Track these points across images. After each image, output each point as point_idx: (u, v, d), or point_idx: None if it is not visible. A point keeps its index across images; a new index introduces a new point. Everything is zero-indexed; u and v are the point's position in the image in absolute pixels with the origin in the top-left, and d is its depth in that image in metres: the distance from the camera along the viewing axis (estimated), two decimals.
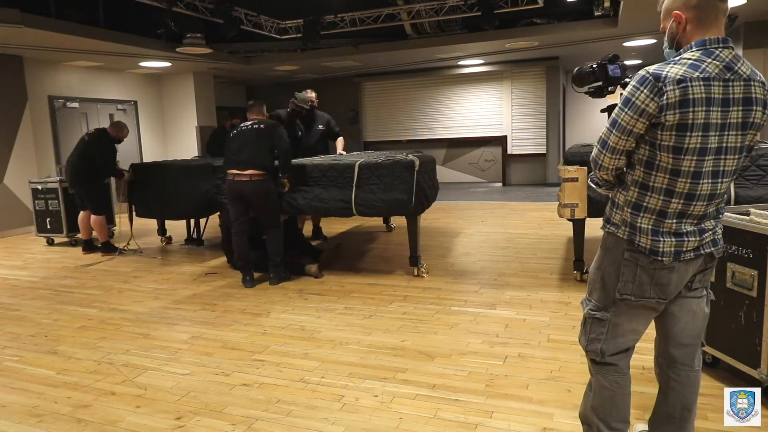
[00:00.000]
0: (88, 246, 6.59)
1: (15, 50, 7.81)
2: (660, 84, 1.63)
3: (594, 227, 4.84)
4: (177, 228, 7.28)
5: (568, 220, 4.32)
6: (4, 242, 7.57)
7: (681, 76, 1.62)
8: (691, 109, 1.61)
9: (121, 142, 6.73)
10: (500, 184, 12.37)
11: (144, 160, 10.18)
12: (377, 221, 7.38)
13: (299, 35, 8.86)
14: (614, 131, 1.78)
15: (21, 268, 5.93)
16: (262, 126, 4.74)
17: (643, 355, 3.05)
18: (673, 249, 1.75)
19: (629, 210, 1.80)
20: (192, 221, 6.82)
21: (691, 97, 1.61)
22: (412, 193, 4.58)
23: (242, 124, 4.83)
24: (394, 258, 5.66)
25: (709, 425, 2.33)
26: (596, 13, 7.93)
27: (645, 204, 1.76)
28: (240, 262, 4.85)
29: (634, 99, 1.69)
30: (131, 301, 4.51)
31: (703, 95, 1.61)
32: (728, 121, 1.65)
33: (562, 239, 6.12)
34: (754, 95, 1.66)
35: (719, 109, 1.63)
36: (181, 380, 2.99)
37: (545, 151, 11.88)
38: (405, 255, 5.08)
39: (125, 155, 10.18)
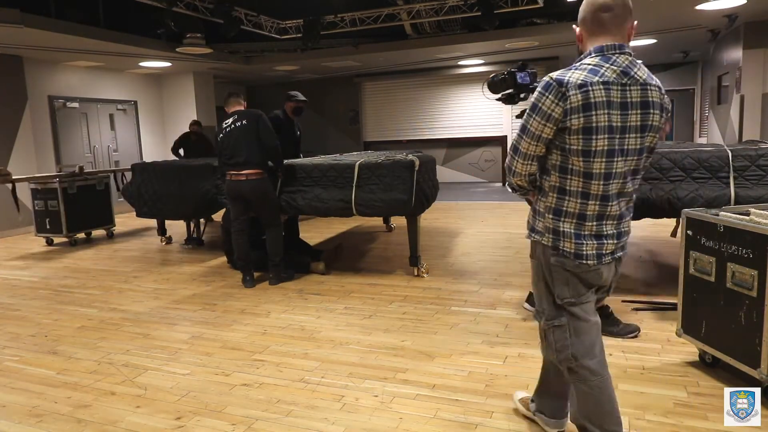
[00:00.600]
0: None
1: (15, 50, 7.81)
2: (563, 89, 1.69)
3: None
4: (177, 228, 7.28)
5: None
6: (4, 242, 7.57)
7: (582, 80, 1.69)
8: (594, 113, 1.69)
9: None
10: (500, 184, 12.36)
11: (144, 160, 10.18)
12: (377, 221, 7.38)
13: (299, 35, 8.86)
14: (524, 137, 1.80)
15: (21, 268, 5.93)
16: (244, 122, 4.67)
17: (644, 355, 3.06)
18: (594, 252, 1.82)
19: (550, 216, 1.86)
20: (192, 221, 6.81)
21: (592, 100, 1.68)
22: (412, 193, 4.58)
23: (224, 123, 4.77)
24: (394, 258, 5.66)
25: (709, 425, 2.33)
26: None
27: (564, 208, 1.82)
28: (240, 261, 4.85)
29: (540, 105, 1.74)
30: (131, 301, 4.51)
31: (604, 99, 1.69)
32: (628, 124, 1.72)
33: None
34: (650, 99, 1.74)
35: (618, 112, 1.71)
36: (181, 380, 2.98)
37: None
38: (405, 255, 5.08)
39: (125, 155, 10.20)
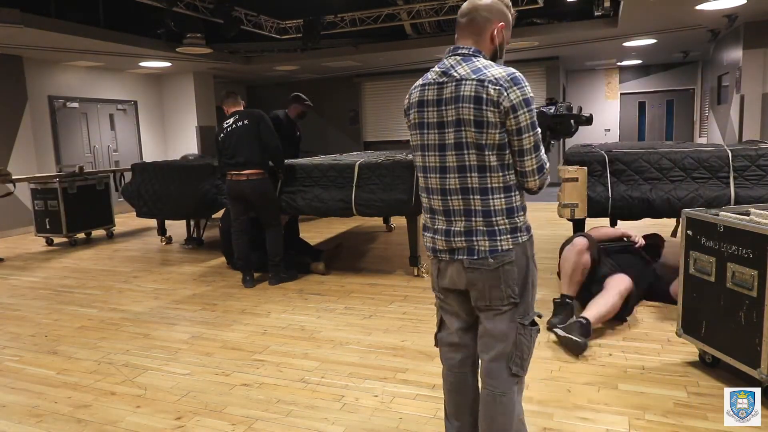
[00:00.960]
0: None
1: (15, 50, 7.81)
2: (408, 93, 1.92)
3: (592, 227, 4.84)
4: (177, 228, 7.28)
5: (569, 220, 4.32)
6: (4, 242, 7.57)
7: (415, 84, 1.89)
8: (411, 111, 1.86)
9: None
10: None
11: (144, 160, 10.18)
12: (377, 221, 7.38)
13: (299, 35, 8.86)
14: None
15: (21, 268, 5.93)
16: (246, 122, 4.68)
17: (644, 355, 3.06)
18: (428, 244, 1.90)
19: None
20: (192, 221, 6.81)
21: (409, 101, 1.88)
22: (413, 192, 4.58)
23: (225, 123, 4.76)
24: (394, 258, 5.66)
25: (709, 425, 2.33)
26: (596, 13, 7.93)
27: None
28: (240, 261, 4.85)
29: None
30: (131, 301, 4.51)
31: (417, 99, 1.83)
32: (445, 119, 1.76)
33: (562, 239, 6.10)
34: (462, 93, 1.72)
35: (435, 109, 1.78)
36: (181, 380, 2.98)
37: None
38: (405, 255, 5.08)
39: (125, 155, 10.21)
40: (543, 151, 1.79)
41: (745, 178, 3.87)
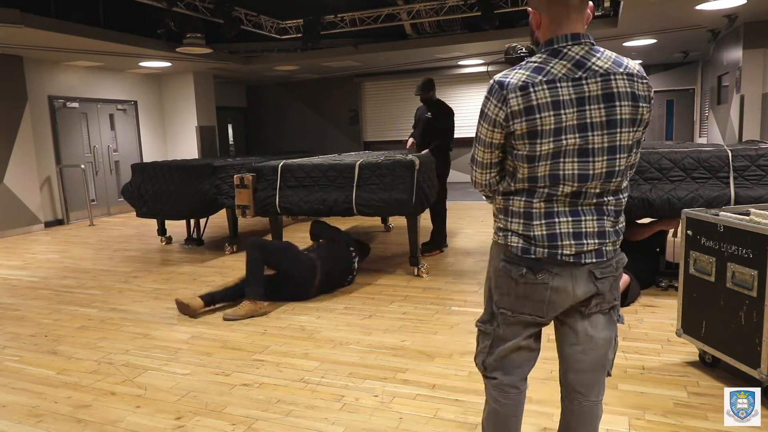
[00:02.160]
0: None
1: (15, 50, 7.81)
2: (504, 92, 1.52)
3: None
4: (177, 228, 7.28)
5: None
6: (4, 242, 7.57)
7: (523, 81, 1.51)
8: (538, 116, 1.50)
9: None
10: None
11: (144, 160, 10.19)
12: (375, 221, 7.38)
13: (299, 35, 8.86)
14: (478, 146, 1.64)
15: (21, 268, 5.93)
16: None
17: (644, 355, 3.06)
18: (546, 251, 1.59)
19: (502, 216, 1.68)
20: (192, 221, 6.82)
21: (535, 103, 1.49)
22: (413, 192, 4.58)
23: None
24: (394, 258, 5.66)
25: (709, 425, 2.33)
26: (596, 13, 7.93)
27: (511, 208, 1.63)
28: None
29: (485, 110, 1.58)
30: (131, 301, 4.51)
31: (549, 99, 1.49)
32: (588, 120, 1.50)
33: None
34: (615, 90, 1.50)
35: (575, 110, 1.50)
36: (181, 380, 2.98)
37: None
38: (405, 255, 5.08)
39: (125, 155, 10.21)
40: None
41: (745, 178, 3.87)
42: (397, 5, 8.31)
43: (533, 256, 1.59)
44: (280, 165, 4.93)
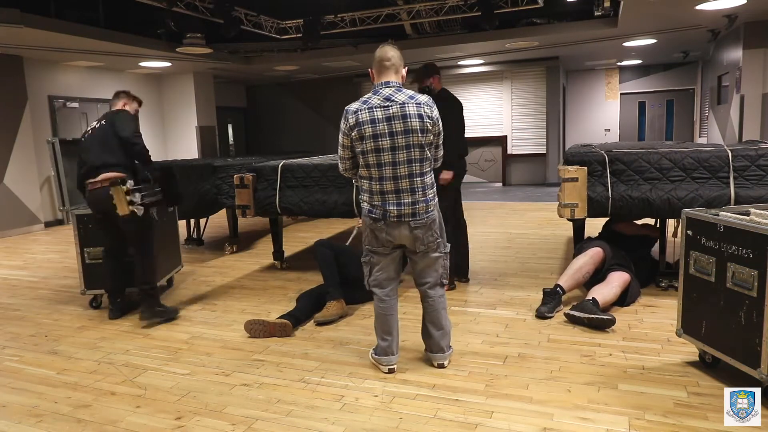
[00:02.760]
0: None
1: (15, 50, 7.81)
2: (347, 114, 2.82)
3: (594, 227, 4.84)
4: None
5: (569, 220, 4.32)
6: (4, 242, 7.57)
7: (355, 108, 2.79)
8: (362, 127, 2.75)
9: None
10: (500, 184, 12.37)
11: None
12: None
13: (299, 35, 8.86)
14: (339, 146, 2.92)
15: (21, 268, 5.93)
16: (103, 122, 3.97)
17: (644, 355, 3.06)
18: (376, 213, 2.82)
19: (362, 191, 2.91)
20: (192, 221, 6.82)
21: (360, 119, 2.75)
22: None
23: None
24: None
25: (709, 425, 2.33)
26: (596, 13, 7.93)
27: (365, 188, 2.87)
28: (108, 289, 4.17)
29: (341, 124, 2.86)
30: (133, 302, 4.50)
31: (368, 117, 2.74)
32: (393, 129, 2.73)
33: (562, 239, 6.12)
34: (408, 111, 2.74)
35: (384, 123, 2.73)
36: (181, 380, 2.99)
37: (545, 151, 11.89)
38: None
39: None
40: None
41: (745, 178, 3.87)
42: (397, 5, 8.30)
43: (376, 216, 2.82)
44: (280, 165, 4.93)
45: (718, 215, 2.66)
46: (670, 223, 4.80)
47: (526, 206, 8.89)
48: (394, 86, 2.80)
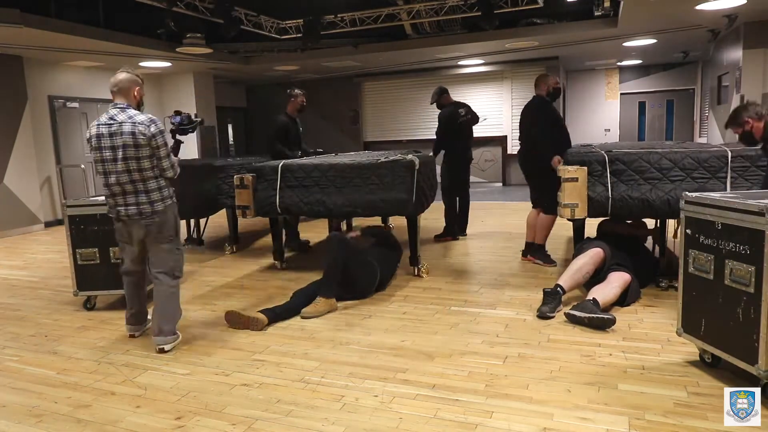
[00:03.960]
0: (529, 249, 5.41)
1: (15, 50, 7.81)
2: (88, 129, 3.42)
3: (594, 227, 4.84)
4: None
5: (569, 220, 4.32)
6: (4, 242, 7.57)
7: (92, 124, 3.35)
8: (91, 141, 3.32)
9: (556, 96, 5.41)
10: (500, 184, 12.37)
11: None
12: (376, 221, 7.37)
13: (299, 35, 8.86)
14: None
15: (21, 268, 5.93)
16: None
17: (644, 354, 3.06)
18: (113, 212, 3.42)
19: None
20: (192, 221, 6.81)
21: (92, 133, 3.31)
22: (413, 192, 4.57)
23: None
24: None
25: (709, 425, 2.33)
26: (596, 13, 7.93)
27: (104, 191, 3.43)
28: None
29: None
30: None
31: (94, 133, 3.30)
32: (114, 144, 3.25)
33: (562, 239, 6.12)
34: (123, 129, 3.24)
35: (108, 138, 3.26)
36: (181, 380, 2.99)
37: None
38: (405, 255, 5.08)
39: None
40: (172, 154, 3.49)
41: (745, 178, 3.87)
42: (397, 5, 8.30)
43: (114, 216, 3.41)
44: (280, 165, 4.92)
45: (715, 198, 2.66)
46: (671, 223, 4.79)
47: (526, 206, 8.84)
48: (119, 107, 3.32)
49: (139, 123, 3.25)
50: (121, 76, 3.33)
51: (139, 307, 3.63)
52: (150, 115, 3.34)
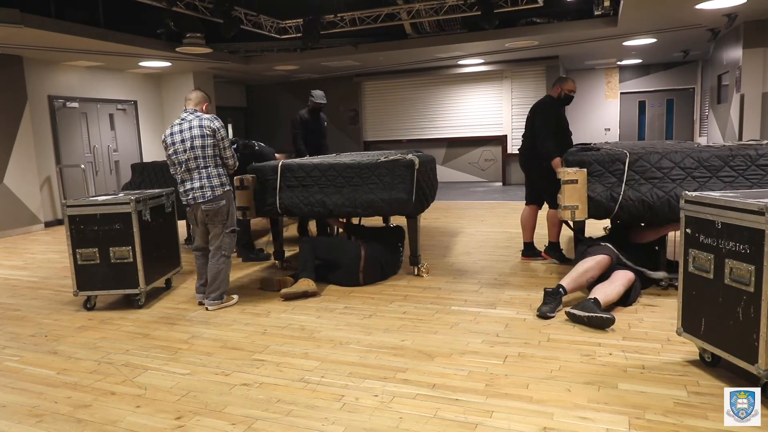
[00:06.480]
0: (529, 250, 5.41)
1: (15, 50, 7.81)
2: (164, 134, 4.19)
3: (595, 227, 4.85)
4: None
5: (568, 221, 4.31)
6: (4, 242, 7.57)
7: (170, 126, 4.16)
8: (164, 139, 4.14)
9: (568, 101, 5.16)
10: (500, 184, 12.37)
11: (144, 160, 10.19)
12: (377, 220, 7.37)
13: (299, 35, 8.86)
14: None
15: (21, 268, 5.93)
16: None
17: (644, 354, 3.06)
18: (183, 198, 4.15)
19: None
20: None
21: (166, 133, 4.12)
22: (413, 192, 4.57)
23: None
24: None
25: (709, 425, 2.33)
26: (596, 13, 7.93)
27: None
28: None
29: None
30: (131, 301, 4.49)
31: (169, 132, 4.11)
32: (182, 138, 4.04)
33: (562, 239, 6.11)
34: (191, 127, 4.03)
35: (180, 137, 4.05)
36: (181, 380, 2.99)
37: None
38: (405, 255, 5.08)
39: (125, 155, 10.21)
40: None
41: (745, 177, 3.87)
42: (397, 5, 8.30)
43: (184, 201, 4.13)
44: (279, 165, 4.92)
45: (716, 197, 2.65)
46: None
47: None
48: (192, 112, 4.14)
49: (204, 118, 4.06)
50: (195, 94, 4.24)
51: (206, 278, 4.22)
52: (213, 115, 4.15)
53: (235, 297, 4.35)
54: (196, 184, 4.04)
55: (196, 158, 4.02)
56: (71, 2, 7.68)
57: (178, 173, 4.10)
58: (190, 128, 4.03)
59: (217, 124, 4.08)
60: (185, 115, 4.11)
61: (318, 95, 6.97)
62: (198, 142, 4.00)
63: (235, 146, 5.52)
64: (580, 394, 2.63)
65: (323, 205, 4.74)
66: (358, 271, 4.60)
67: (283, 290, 4.36)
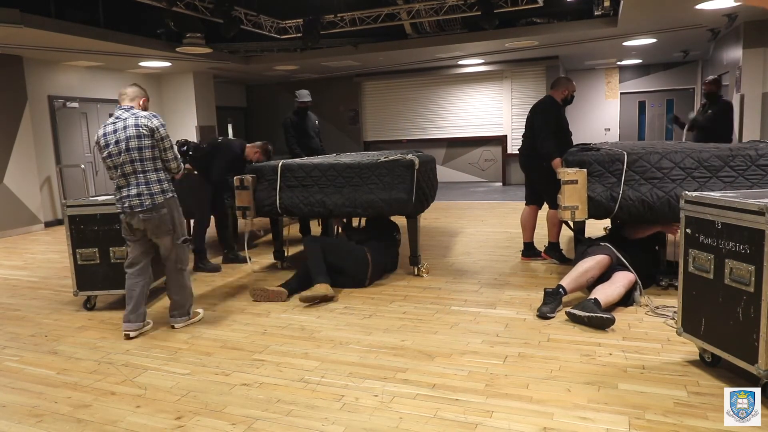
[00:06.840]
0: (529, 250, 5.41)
1: (15, 50, 7.81)
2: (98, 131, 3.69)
3: (595, 227, 4.85)
4: None
5: (568, 222, 4.31)
6: (4, 242, 7.57)
7: (101, 127, 3.66)
8: (97, 139, 3.63)
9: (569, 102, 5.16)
10: (500, 184, 12.37)
11: None
12: None
13: (299, 35, 8.85)
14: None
15: (21, 268, 5.93)
16: None
17: (644, 354, 3.06)
18: (118, 206, 3.66)
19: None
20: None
21: (99, 133, 3.63)
22: (413, 192, 4.57)
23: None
24: None
25: (709, 425, 2.33)
26: (596, 13, 7.93)
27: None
28: None
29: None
30: None
31: (102, 132, 3.60)
32: (116, 139, 3.54)
33: (563, 239, 6.11)
34: (125, 126, 3.54)
35: (115, 137, 3.55)
36: (181, 380, 2.99)
37: None
38: (405, 255, 5.08)
39: None
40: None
41: (745, 178, 3.86)
42: (397, 5, 8.30)
43: (119, 209, 3.62)
44: (279, 165, 4.92)
45: (716, 198, 2.65)
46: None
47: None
48: (127, 109, 3.63)
49: (141, 116, 3.57)
50: (131, 89, 3.72)
51: (136, 301, 3.71)
52: (152, 112, 3.67)
53: (201, 311, 4.04)
54: (133, 191, 3.52)
55: (132, 161, 3.51)
56: (71, 2, 7.67)
57: (114, 178, 3.60)
58: (125, 127, 3.51)
59: (156, 122, 3.57)
60: (120, 112, 3.58)
61: (302, 94, 6.89)
62: (134, 143, 3.49)
63: (185, 148, 5.41)
64: (580, 394, 2.63)
65: (323, 205, 4.74)
66: (366, 278, 4.60)
67: (302, 294, 4.19)
